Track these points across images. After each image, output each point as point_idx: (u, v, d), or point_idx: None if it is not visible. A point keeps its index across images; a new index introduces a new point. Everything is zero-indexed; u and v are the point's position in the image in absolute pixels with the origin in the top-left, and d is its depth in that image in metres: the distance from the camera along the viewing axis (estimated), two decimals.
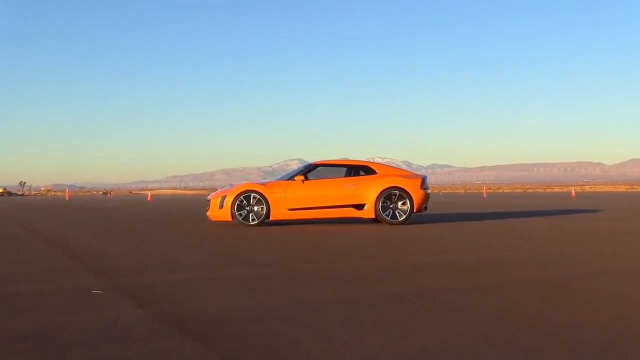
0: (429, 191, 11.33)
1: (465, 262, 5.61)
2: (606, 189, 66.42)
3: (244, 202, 10.75)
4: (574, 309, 3.54)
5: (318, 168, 11.39)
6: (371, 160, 12.58)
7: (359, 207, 10.83)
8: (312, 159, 11.97)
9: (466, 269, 5.17)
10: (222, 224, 11.45)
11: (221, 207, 10.84)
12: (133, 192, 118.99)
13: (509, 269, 5.12)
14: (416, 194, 10.77)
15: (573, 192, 45.16)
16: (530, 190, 66.08)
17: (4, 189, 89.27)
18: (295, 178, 10.98)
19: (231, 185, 13.19)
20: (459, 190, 71.17)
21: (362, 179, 10.98)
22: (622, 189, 63.81)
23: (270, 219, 10.82)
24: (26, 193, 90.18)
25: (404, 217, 10.73)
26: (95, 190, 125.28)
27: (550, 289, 4.16)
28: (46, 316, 3.48)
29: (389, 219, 10.71)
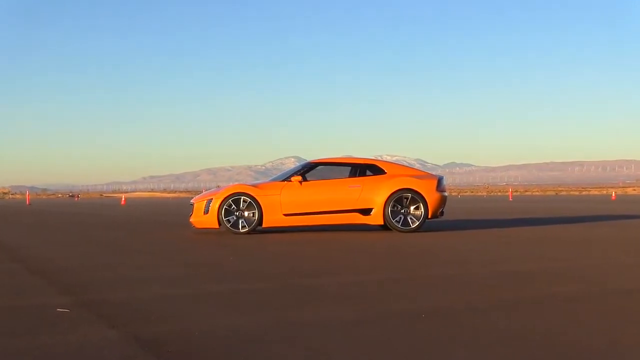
0: (446, 194, 11.33)
1: (487, 276, 5.61)
2: None
3: (233, 206, 10.75)
4: (614, 330, 3.54)
5: (318, 167, 11.38)
6: (379, 159, 12.57)
7: (366, 212, 10.83)
8: (311, 157, 12.01)
9: (488, 283, 5.17)
10: (208, 231, 11.45)
11: (206, 212, 10.84)
12: (104, 194, 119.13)
13: (537, 284, 5.11)
14: (431, 197, 10.77)
15: (613, 194, 45.20)
16: (563, 193, 66.13)
17: None
18: (292, 179, 10.98)
19: (218, 187, 13.17)
20: (480, 193, 71.23)
21: (369, 180, 10.97)
22: None
23: (263, 225, 10.82)
24: None
25: (417, 223, 10.73)
26: (61, 193, 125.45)
27: (586, 307, 4.16)
28: (1, 339, 3.47)
29: (399, 225, 10.71)
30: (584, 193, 64.97)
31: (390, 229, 10.89)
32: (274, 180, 11.32)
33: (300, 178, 10.97)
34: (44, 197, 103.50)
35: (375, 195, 10.78)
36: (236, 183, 11.58)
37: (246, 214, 10.77)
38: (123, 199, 45.08)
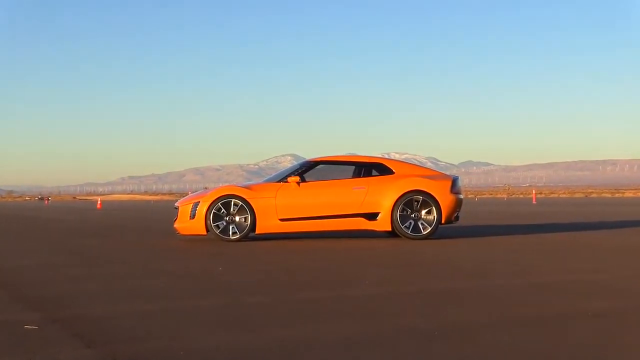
0: (462, 196, 11.32)
1: (508, 289, 5.61)
2: None
3: (222, 210, 10.75)
4: None
5: (318, 166, 11.38)
6: (387, 157, 12.58)
7: (371, 216, 10.83)
8: (309, 155, 12.01)
9: (509, 297, 5.17)
10: (194, 238, 11.45)
11: (192, 217, 10.84)
12: (78, 197, 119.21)
13: (565, 298, 5.12)
14: (445, 200, 10.77)
15: None
16: (593, 195, 66.16)
17: None
18: (289, 179, 10.98)
19: (206, 188, 13.15)
20: (500, 195, 71.26)
21: (375, 181, 10.98)
22: None
23: (256, 232, 10.82)
24: None
25: (429, 229, 10.73)
26: (29, 196, 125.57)
27: (620, 324, 4.16)
28: None
29: (409, 232, 10.71)
30: (617, 195, 64.97)
31: (399, 236, 10.89)
32: (269, 181, 11.32)
33: (298, 179, 10.96)
34: (9, 200, 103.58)
35: (382, 198, 10.78)
36: (226, 184, 11.57)
37: (237, 218, 10.77)
38: (99, 202, 45.11)
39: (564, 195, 69.70)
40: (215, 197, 10.78)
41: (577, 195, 68.08)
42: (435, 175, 11.22)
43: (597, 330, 3.99)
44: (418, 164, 12.68)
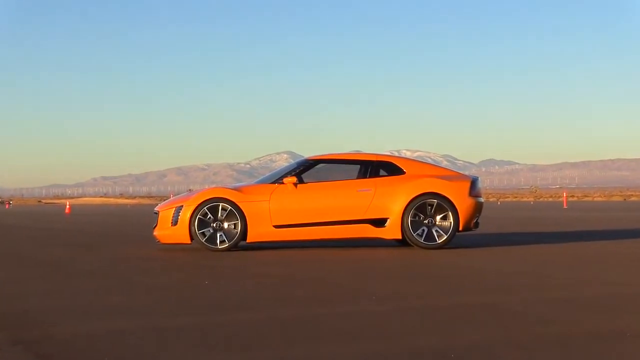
0: (482, 200, 11.33)
1: (532, 305, 5.62)
2: None
3: (209, 215, 10.75)
4: None
5: (318, 166, 11.38)
6: (397, 155, 12.59)
7: (379, 222, 10.83)
8: (308, 153, 12.02)
9: (533, 314, 5.18)
10: (177, 248, 11.45)
11: (175, 223, 10.84)
12: (43, 200, 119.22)
13: (598, 315, 5.13)
14: (463, 204, 10.77)
15: None
16: (633, 199, 66.14)
17: None
18: (285, 180, 10.99)
19: (190, 191, 13.17)
20: (526, 199, 71.28)
21: (383, 182, 10.98)
22: None
23: (248, 240, 10.81)
24: None
25: (445, 237, 10.73)
26: None
27: None
28: None
29: (422, 240, 10.71)
30: None
31: (410, 245, 10.89)
32: (262, 182, 11.32)
33: (295, 179, 10.96)
34: None
35: (391, 202, 10.78)
36: (213, 186, 11.57)
37: (226, 225, 10.77)
38: (68, 206, 45.09)
39: (599, 199, 69.67)
40: (201, 201, 10.77)
41: (614, 199, 68.05)
42: (452, 176, 11.22)
43: (634, 353, 4.00)
44: (433, 163, 12.70)
